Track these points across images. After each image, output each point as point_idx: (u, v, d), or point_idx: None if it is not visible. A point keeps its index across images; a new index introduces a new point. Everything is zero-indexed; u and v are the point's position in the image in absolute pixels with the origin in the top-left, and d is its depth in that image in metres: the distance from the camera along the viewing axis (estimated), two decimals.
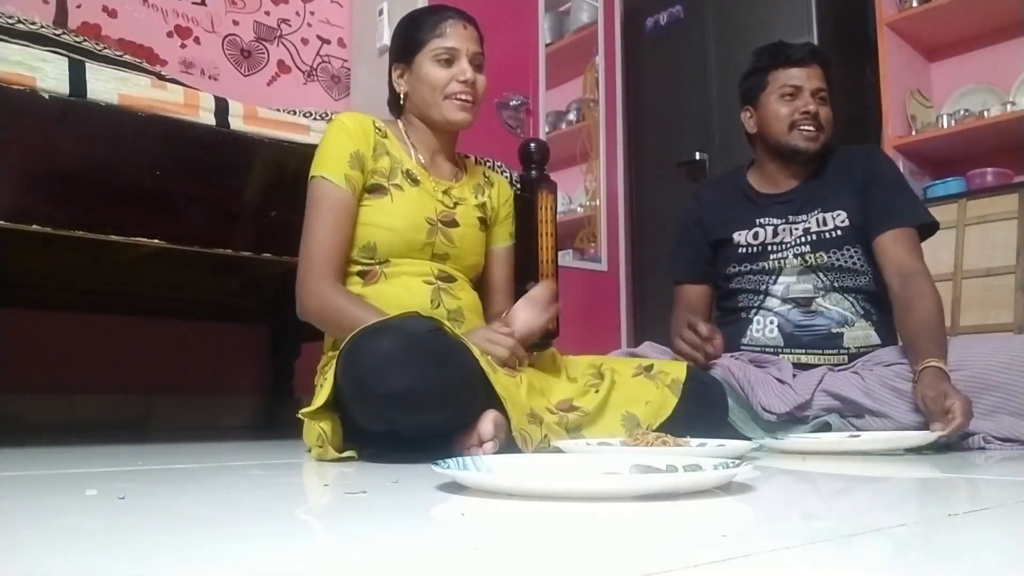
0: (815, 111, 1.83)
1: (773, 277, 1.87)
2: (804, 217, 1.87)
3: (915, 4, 2.95)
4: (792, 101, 1.85)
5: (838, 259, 1.83)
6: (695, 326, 1.76)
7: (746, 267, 1.90)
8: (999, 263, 2.59)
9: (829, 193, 1.87)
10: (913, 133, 2.95)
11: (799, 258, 1.85)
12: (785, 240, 1.87)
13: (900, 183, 1.88)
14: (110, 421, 2.50)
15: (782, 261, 1.86)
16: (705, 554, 0.59)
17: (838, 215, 1.84)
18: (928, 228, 1.84)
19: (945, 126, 2.88)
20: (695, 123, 3.27)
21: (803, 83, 1.85)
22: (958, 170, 2.90)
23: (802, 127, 1.84)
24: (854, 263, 1.83)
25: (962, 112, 2.89)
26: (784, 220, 1.89)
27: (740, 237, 1.91)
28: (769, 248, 1.88)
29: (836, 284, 1.83)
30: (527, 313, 1.52)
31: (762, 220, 1.90)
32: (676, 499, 0.85)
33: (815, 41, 2.83)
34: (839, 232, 1.83)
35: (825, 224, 1.85)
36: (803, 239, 1.85)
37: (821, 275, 1.83)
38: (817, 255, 1.83)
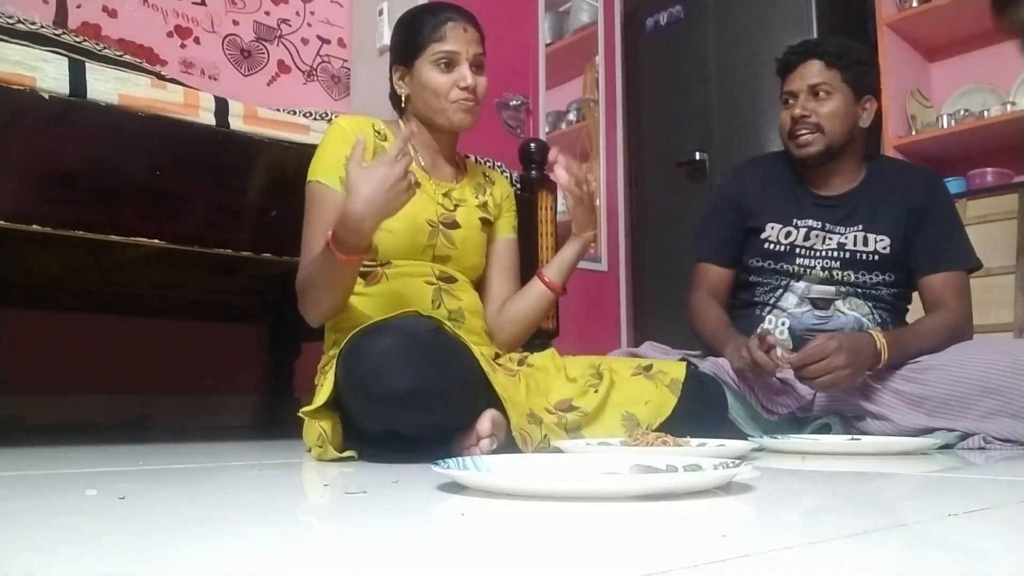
0: (799, 115, 1.77)
1: (794, 279, 1.83)
2: (842, 230, 1.80)
3: (915, 4, 2.95)
4: (787, 109, 1.82)
5: (866, 280, 1.79)
6: (772, 348, 1.61)
7: (769, 264, 1.85)
8: (999, 263, 2.59)
9: (875, 211, 1.80)
10: (913, 133, 2.95)
11: (826, 271, 1.80)
12: (816, 247, 1.81)
13: (957, 222, 1.83)
14: (110, 421, 2.50)
15: (807, 270, 1.81)
16: (705, 554, 0.59)
17: (881, 240, 1.77)
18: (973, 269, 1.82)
19: (945, 126, 2.88)
20: (695, 123, 3.27)
21: (795, 86, 1.80)
22: (958, 170, 2.90)
23: (795, 135, 1.79)
24: (880, 284, 1.79)
25: (962, 112, 2.89)
26: (821, 226, 1.82)
27: (771, 232, 1.84)
28: (797, 251, 1.82)
29: (859, 291, 1.79)
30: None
31: (799, 222, 1.83)
32: (676, 499, 0.85)
33: None
34: (877, 257, 1.78)
35: (865, 245, 1.78)
36: (836, 253, 1.80)
37: (844, 286, 1.80)
38: (845, 273, 1.78)
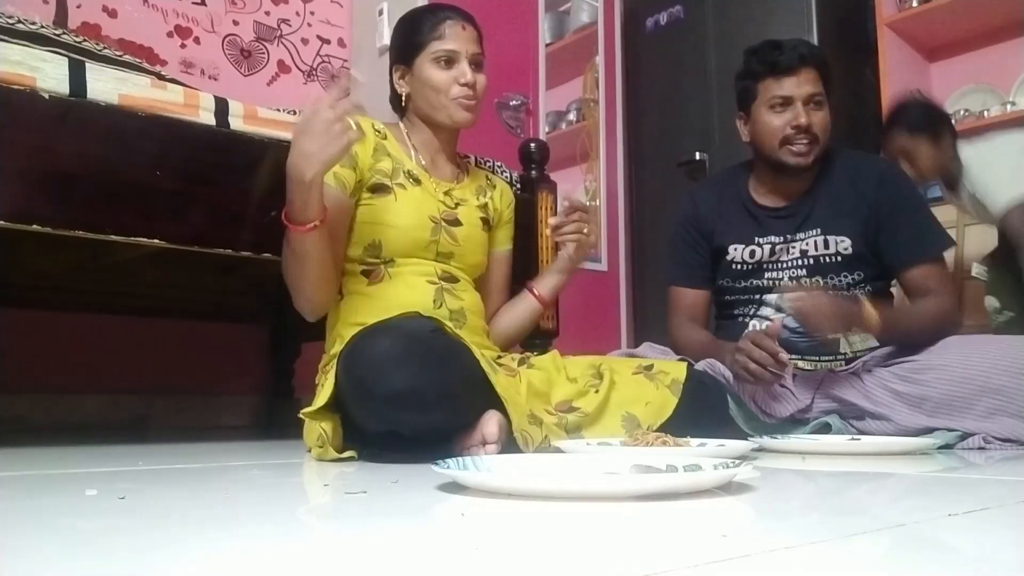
0: (807, 124, 1.73)
1: (766, 293, 1.84)
2: (802, 236, 1.79)
3: (915, 4, 2.95)
4: (782, 113, 1.75)
5: (837, 283, 1.78)
6: (765, 346, 1.61)
7: (739, 283, 1.87)
8: None
9: (831, 212, 1.78)
10: None
11: (793, 280, 1.79)
12: (782, 259, 1.82)
13: (922, 207, 1.79)
14: (110, 421, 2.50)
15: (776, 282, 1.82)
16: (705, 554, 0.59)
17: (841, 241, 1.76)
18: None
19: None
20: (695, 123, 3.27)
21: (793, 92, 1.74)
22: None
23: (793, 143, 1.74)
24: (851, 285, 1.78)
25: (962, 112, 2.90)
26: (783, 239, 1.81)
27: (736, 252, 1.85)
28: (764, 267, 1.83)
29: (833, 292, 1.80)
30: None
31: (761, 239, 1.83)
32: (676, 499, 0.85)
33: (815, 41, 2.83)
34: (840, 258, 1.76)
35: (826, 248, 1.77)
36: (800, 262, 1.80)
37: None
38: (813, 280, 1.78)
